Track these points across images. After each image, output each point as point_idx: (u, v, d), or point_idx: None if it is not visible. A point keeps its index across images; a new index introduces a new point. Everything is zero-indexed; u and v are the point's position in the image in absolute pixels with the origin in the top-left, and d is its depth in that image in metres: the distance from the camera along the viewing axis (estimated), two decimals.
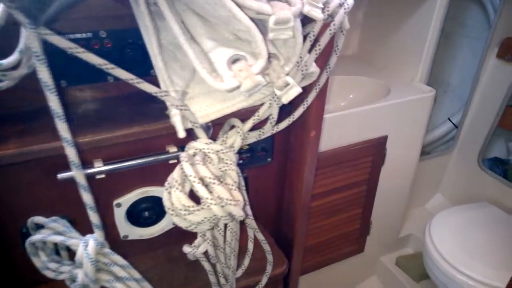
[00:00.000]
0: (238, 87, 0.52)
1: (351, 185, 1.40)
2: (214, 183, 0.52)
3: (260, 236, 0.82)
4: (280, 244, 1.13)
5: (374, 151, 1.38)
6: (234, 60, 0.55)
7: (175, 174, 0.55)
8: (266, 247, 0.83)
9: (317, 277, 1.55)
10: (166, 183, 0.56)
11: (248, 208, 0.78)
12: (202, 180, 0.53)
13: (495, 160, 1.68)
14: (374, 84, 1.49)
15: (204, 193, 0.52)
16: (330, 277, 1.61)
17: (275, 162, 1.01)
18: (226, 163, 0.60)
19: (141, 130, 0.70)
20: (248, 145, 0.86)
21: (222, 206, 0.53)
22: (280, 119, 0.72)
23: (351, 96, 1.51)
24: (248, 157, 0.94)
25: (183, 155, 0.56)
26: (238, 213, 0.55)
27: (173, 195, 0.53)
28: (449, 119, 1.82)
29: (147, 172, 0.82)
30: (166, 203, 0.54)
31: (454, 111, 1.85)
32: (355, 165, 1.37)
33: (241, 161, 0.94)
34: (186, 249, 0.71)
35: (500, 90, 1.55)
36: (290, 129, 0.98)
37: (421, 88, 1.42)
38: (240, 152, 0.94)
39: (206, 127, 0.68)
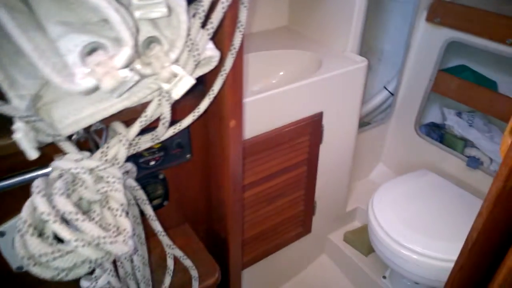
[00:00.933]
0: (97, 88, 0.39)
1: (290, 167, 1.32)
2: (78, 219, 0.39)
3: (178, 252, 0.71)
4: (215, 244, 1.03)
5: (311, 129, 1.29)
6: (93, 51, 0.41)
7: (24, 213, 0.41)
8: (187, 262, 0.72)
9: (264, 266, 1.48)
10: (18, 223, 0.42)
11: (157, 224, 0.65)
12: (64, 215, 0.40)
13: (431, 125, 1.67)
14: (305, 58, 1.39)
15: (65, 234, 0.39)
16: (278, 263, 1.55)
17: (197, 157, 0.89)
18: (108, 182, 0.47)
19: (7, 142, 0.54)
20: (161, 143, 0.73)
21: (97, 244, 0.41)
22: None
23: (281, 73, 1.40)
24: (162, 157, 0.81)
25: (35, 184, 0.42)
26: (121, 250, 0.42)
27: (27, 241, 0.40)
28: (384, 87, 1.79)
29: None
30: (19, 251, 0.40)
31: (390, 78, 1.82)
32: (292, 147, 1.28)
33: (153, 162, 0.81)
34: (84, 283, 0.58)
35: (431, 54, 1.52)
36: (208, 121, 0.86)
37: (353, 58, 1.35)
38: (152, 151, 0.81)
39: (88, 135, 0.54)
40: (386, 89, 1.78)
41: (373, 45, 1.90)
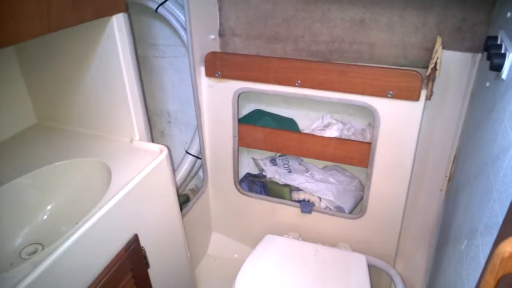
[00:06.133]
0: None
1: None
2: None
3: None
4: None
5: (131, 264, 0.94)
6: None
7: None
8: None
9: None
10: None
11: None
12: None
13: (248, 176, 1.55)
14: (82, 169, 1.01)
15: None
16: None
17: None
18: None
19: None
20: None
21: None
22: None
23: (49, 207, 0.97)
24: None
25: None
26: None
27: None
28: (187, 152, 1.56)
29: None
30: None
31: (188, 139, 1.60)
32: None
33: None
34: None
35: (225, 109, 1.37)
36: None
37: (147, 149, 1.05)
38: None
39: None
40: (189, 153, 1.55)
41: (157, 109, 1.64)
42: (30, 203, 0.95)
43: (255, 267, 1.20)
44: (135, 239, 0.95)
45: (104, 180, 0.95)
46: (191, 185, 1.69)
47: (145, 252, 1.00)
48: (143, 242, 0.98)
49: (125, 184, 0.91)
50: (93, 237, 0.81)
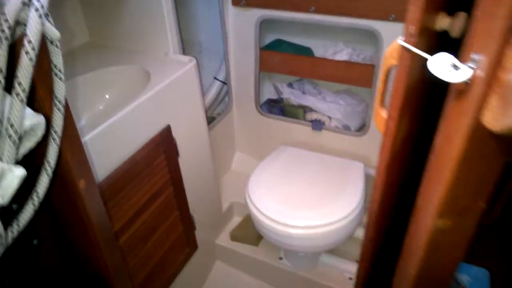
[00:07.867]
0: None
1: (156, 194, 1.19)
2: None
3: None
4: None
5: (164, 147, 1.17)
6: None
7: None
8: None
9: None
10: None
11: None
12: None
13: (269, 101, 1.74)
14: (129, 73, 1.24)
15: None
16: None
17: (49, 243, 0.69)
18: None
19: None
20: None
21: None
22: None
23: (107, 96, 1.22)
24: None
25: None
26: None
27: None
28: (215, 78, 1.77)
29: None
30: None
31: (216, 67, 1.80)
32: (151, 172, 1.14)
33: None
34: None
35: (248, 36, 1.55)
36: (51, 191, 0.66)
37: (180, 60, 1.26)
38: None
39: None
40: (217, 79, 1.76)
41: (189, 39, 1.84)
42: (91, 95, 1.19)
43: (266, 168, 1.42)
44: (168, 129, 1.18)
45: (145, 80, 1.17)
46: (218, 109, 1.90)
47: (176, 143, 1.23)
48: (174, 134, 1.21)
49: (159, 82, 1.13)
50: (136, 117, 1.04)
